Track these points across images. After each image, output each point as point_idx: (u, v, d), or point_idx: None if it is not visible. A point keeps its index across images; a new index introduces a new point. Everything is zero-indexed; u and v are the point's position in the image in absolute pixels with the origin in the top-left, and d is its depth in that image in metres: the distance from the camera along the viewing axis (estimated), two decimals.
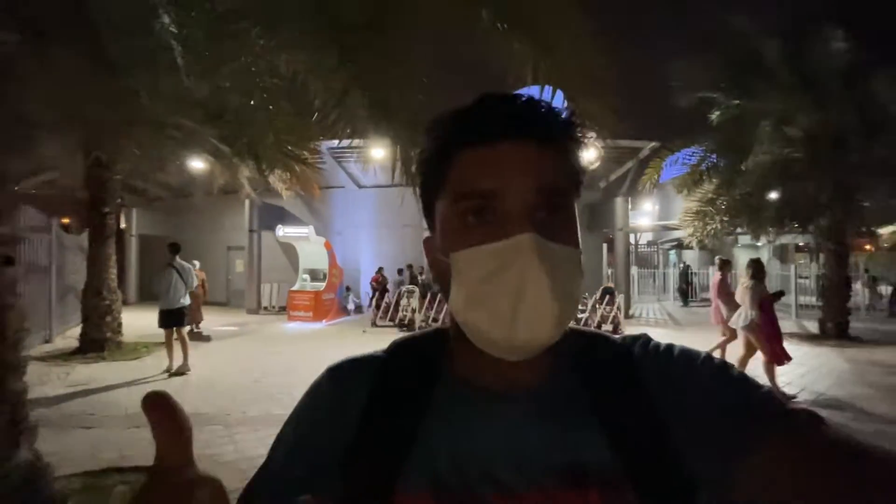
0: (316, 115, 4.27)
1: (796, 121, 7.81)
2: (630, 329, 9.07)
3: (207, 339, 8.77)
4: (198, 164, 8.74)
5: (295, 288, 11.68)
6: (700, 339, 8.30)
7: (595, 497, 0.41)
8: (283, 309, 13.31)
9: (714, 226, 9.24)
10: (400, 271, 13.01)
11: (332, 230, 14.13)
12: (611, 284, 11.42)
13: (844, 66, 7.30)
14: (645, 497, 0.40)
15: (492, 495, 0.42)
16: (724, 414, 0.41)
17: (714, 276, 6.40)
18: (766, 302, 5.14)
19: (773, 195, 8.92)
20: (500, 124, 0.43)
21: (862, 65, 7.15)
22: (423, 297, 10.79)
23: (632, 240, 19.64)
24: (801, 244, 19.86)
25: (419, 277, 12.45)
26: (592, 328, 0.52)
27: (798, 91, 7.84)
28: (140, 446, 3.49)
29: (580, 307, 9.95)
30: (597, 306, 10.06)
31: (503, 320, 0.41)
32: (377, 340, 9.10)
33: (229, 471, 3.20)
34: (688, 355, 0.47)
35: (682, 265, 18.53)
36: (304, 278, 11.96)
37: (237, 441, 3.82)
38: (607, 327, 9.93)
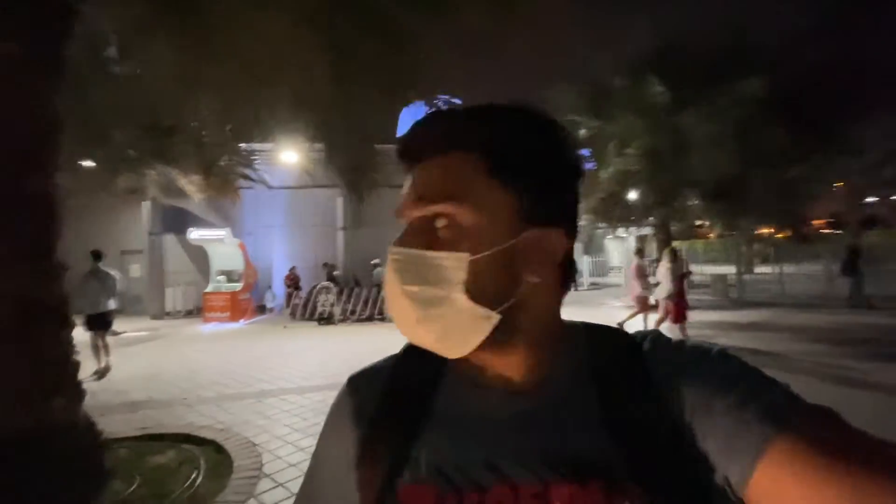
0: (256, 133, 5.04)
1: (633, 142, 10.25)
2: None
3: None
4: (89, 163, 8.16)
5: (209, 290, 11.70)
6: (573, 315, 10.41)
7: (595, 490, 0.40)
8: (190, 312, 13.11)
9: (580, 223, 11.52)
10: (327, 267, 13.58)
11: (242, 231, 14.12)
12: None
13: (663, 103, 9.81)
14: (649, 493, 0.40)
15: (492, 484, 0.42)
16: (738, 411, 0.39)
17: (633, 261, 8.27)
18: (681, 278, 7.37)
19: (622, 198, 11.45)
20: (401, 153, 0.48)
21: (674, 103, 9.69)
22: (339, 292, 11.61)
23: None
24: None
25: (334, 274, 13.20)
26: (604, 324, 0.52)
27: (634, 119, 10.27)
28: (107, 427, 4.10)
29: None
30: None
31: (397, 323, 0.46)
32: (296, 335, 10.18)
33: (210, 432, 4.02)
34: (699, 350, 0.46)
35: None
36: (219, 280, 12.01)
37: (204, 413, 4.55)
38: None
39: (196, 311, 12.92)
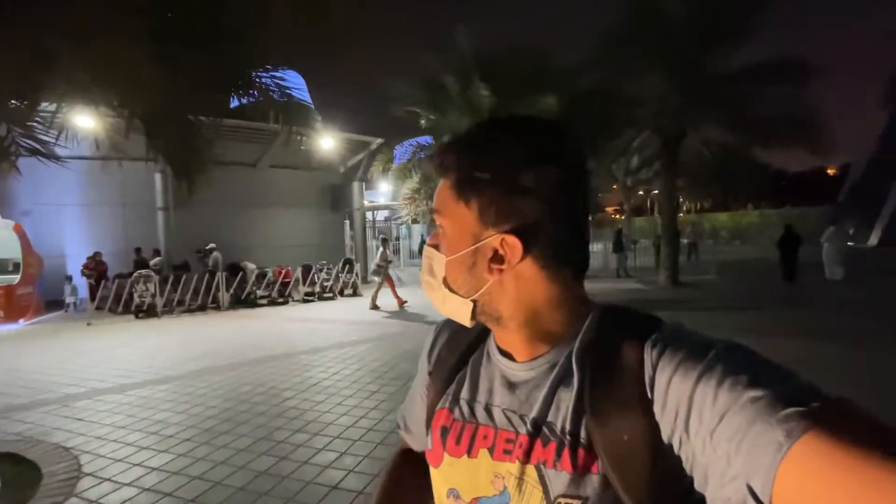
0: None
1: None
2: (367, 290, 11.38)
3: None
4: None
5: None
6: (414, 291, 11.28)
7: (550, 449, 0.49)
8: None
9: (422, 208, 12.48)
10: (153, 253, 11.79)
11: (15, 210, 11.31)
12: (351, 256, 13.62)
13: (486, 106, 11.21)
14: (607, 472, 0.45)
15: (485, 422, 0.56)
16: (753, 412, 0.37)
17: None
18: None
19: None
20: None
21: (495, 106, 11.16)
22: (164, 280, 10.36)
23: (370, 216, 22.69)
24: None
25: (154, 261, 11.64)
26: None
27: (467, 115, 11.49)
28: None
29: (326, 275, 11.68)
30: (339, 274, 12.03)
31: None
32: (106, 331, 9.15)
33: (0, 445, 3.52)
34: (704, 344, 0.45)
35: (421, 236, 22.77)
36: None
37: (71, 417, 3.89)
38: (349, 291, 12.08)
39: None
